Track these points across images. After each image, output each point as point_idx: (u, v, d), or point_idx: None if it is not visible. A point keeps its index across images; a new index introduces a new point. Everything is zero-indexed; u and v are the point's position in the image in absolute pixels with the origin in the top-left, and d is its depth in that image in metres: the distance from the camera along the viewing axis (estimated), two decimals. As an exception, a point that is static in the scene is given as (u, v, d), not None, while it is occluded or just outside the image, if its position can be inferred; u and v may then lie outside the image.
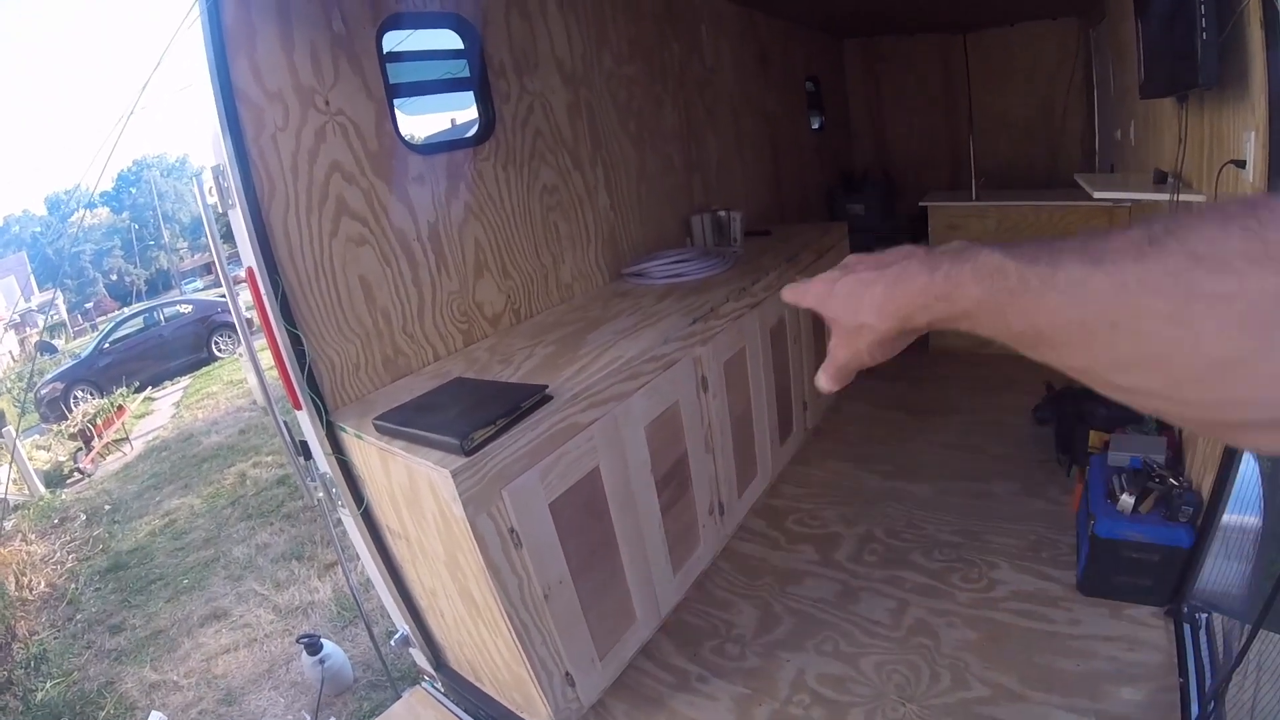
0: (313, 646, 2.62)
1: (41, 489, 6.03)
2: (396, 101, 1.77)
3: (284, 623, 3.25)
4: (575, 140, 2.26)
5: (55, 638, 3.69)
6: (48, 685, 3.28)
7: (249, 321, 1.75)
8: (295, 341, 1.60)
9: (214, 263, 1.73)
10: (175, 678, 3.07)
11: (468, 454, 1.26)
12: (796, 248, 2.53)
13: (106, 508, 5.41)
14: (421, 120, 1.96)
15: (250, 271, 1.56)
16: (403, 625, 1.90)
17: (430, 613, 1.82)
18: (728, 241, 2.61)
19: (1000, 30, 4.23)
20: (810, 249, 2.58)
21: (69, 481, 6.39)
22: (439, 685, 1.94)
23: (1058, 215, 3.08)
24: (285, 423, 1.71)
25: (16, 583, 4.27)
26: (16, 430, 5.97)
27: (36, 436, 7.77)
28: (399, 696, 2.02)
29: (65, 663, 3.44)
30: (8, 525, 5.26)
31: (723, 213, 2.62)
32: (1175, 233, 0.28)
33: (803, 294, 0.50)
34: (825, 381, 0.51)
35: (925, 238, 3.16)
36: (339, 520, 1.78)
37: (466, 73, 1.91)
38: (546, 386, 1.44)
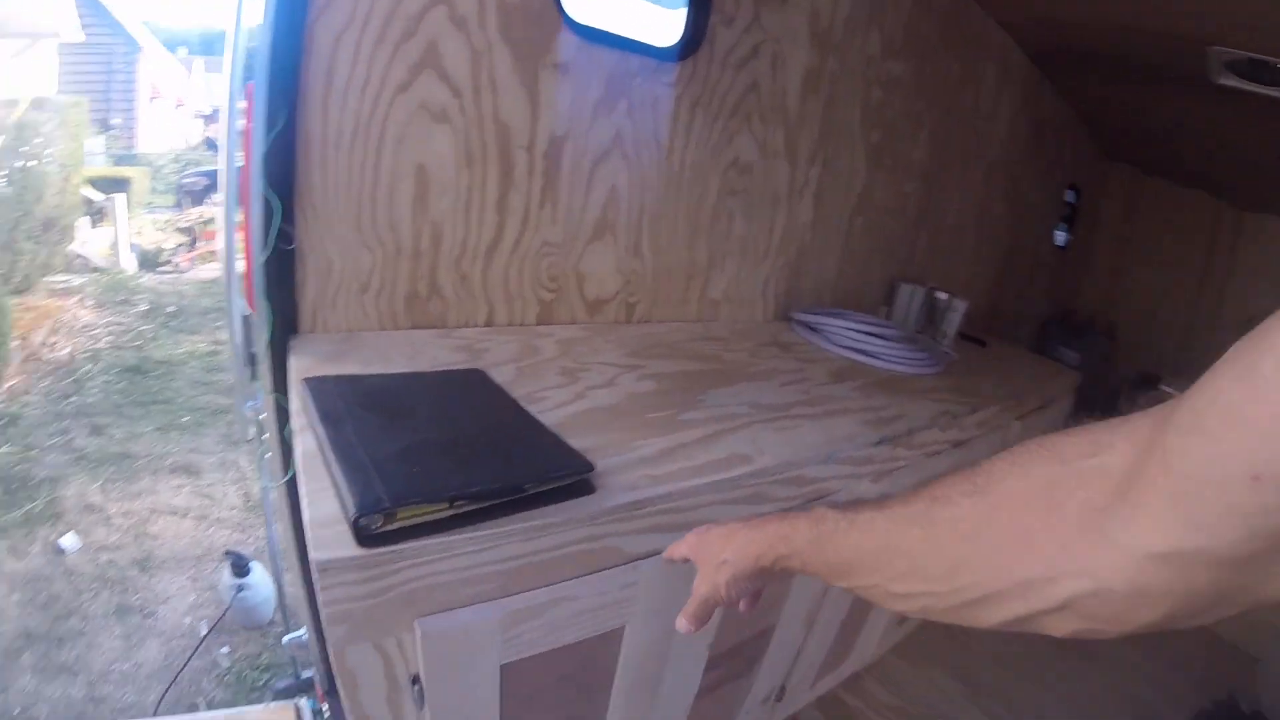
0: (239, 567, 2.09)
1: (126, 264, 5.65)
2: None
3: (246, 517, 2.71)
4: (800, 119, 1.49)
5: (38, 408, 3.30)
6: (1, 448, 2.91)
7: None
8: (286, 217, 0.97)
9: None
10: (112, 512, 2.62)
11: (361, 541, 0.55)
12: (1022, 385, 1.66)
13: (170, 309, 4.94)
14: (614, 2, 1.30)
15: (250, 91, 0.94)
16: (305, 630, 1.25)
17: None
18: (936, 334, 1.78)
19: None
20: (1035, 393, 1.70)
21: (160, 268, 5.89)
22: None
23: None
24: (246, 316, 1.09)
25: (44, 338, 3.94)
26: (140, 203, 5.87)
27: (157, 215, 7.25)
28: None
29: (30, 436, 3.04)
30: (78, 281, 4.99)
31: (942, 295, 1.80)
32: (928, 485, 0.44)
33: (678, 547, 0.64)
34: (684, 621, 0.60)
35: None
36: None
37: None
38: (594, 468, 0.70)
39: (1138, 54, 1.73)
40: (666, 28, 1.25)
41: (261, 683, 1.99)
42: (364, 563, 0.56)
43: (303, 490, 0.63)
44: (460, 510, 0.60)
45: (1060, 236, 3.45)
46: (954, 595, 0.40)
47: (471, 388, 0.86)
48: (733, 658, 1.06)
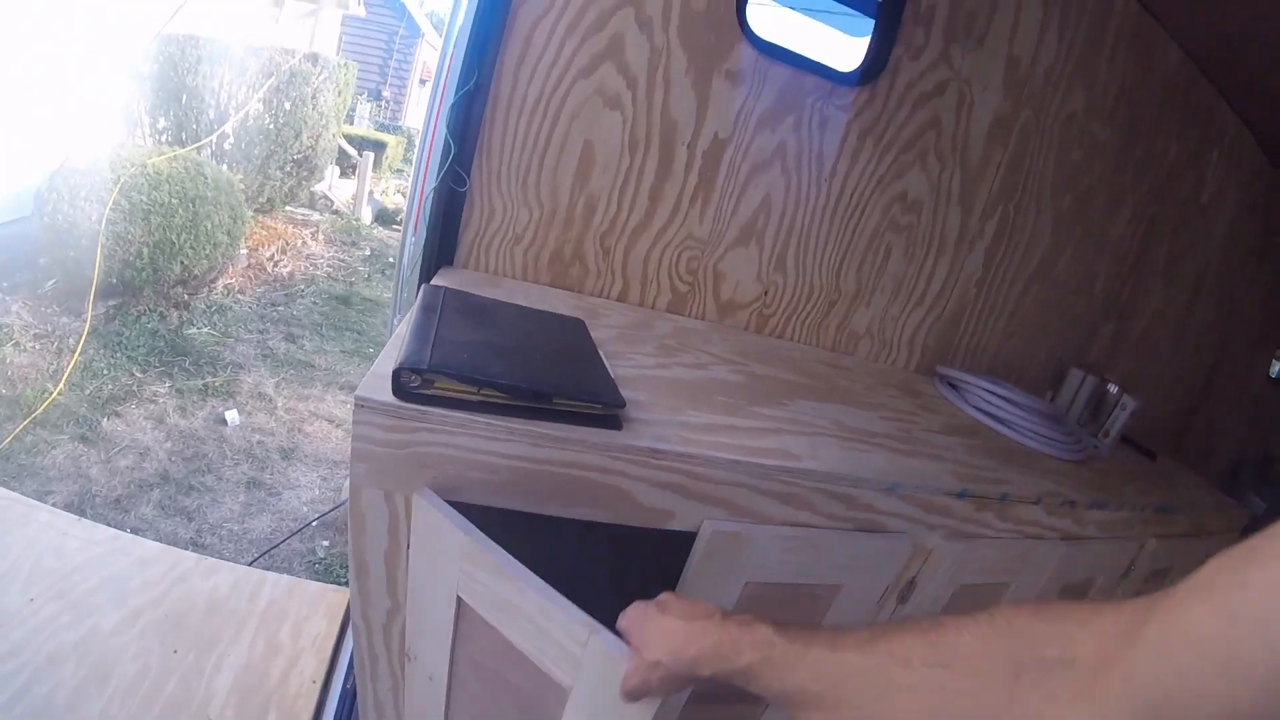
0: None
1: (364, 214, 6.12)
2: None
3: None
4: (980, 166, 1.39)
5: (248, 307, 3.78)
6: (202, 329, 3.34)
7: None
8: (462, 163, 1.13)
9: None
10: (278, 405, 3.00)
11: (396, 392, 0.63)
12: (1180, 506, 1.36)
13: (390, 259, 5.28)
14: (801, 23, 1.33)
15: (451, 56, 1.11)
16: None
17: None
18: (1097, 429, 1.54)
19: None
20: (1189, 518, 1.38)
21: (392, 225, 6.27)
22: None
23: None
24: (414, 240, 1.27)
25: (272, 254, 4.43)
26: (391, 167, 6.47)
27: (402, 181, 7.71)
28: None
29: (232, 327, 3.48)
30: (316, 217, 5.59)
31: (1113, 387, 1.55)
32: (887, 634, 0.42)
33: (622, 618, 0.56)
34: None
35: None
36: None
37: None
38: (624, 405, 0.72)
39: None
40: (849, 53, 1.26)
41: (344, 580, 2.14)
42: (393, 411, 0.63)
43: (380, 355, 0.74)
44: (488, 398, 0.66)
45: (1278, 368, 2.86)
46: None
47: (563, 327, 0.93)
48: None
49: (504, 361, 0.72)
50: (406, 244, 1.24)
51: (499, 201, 1.18)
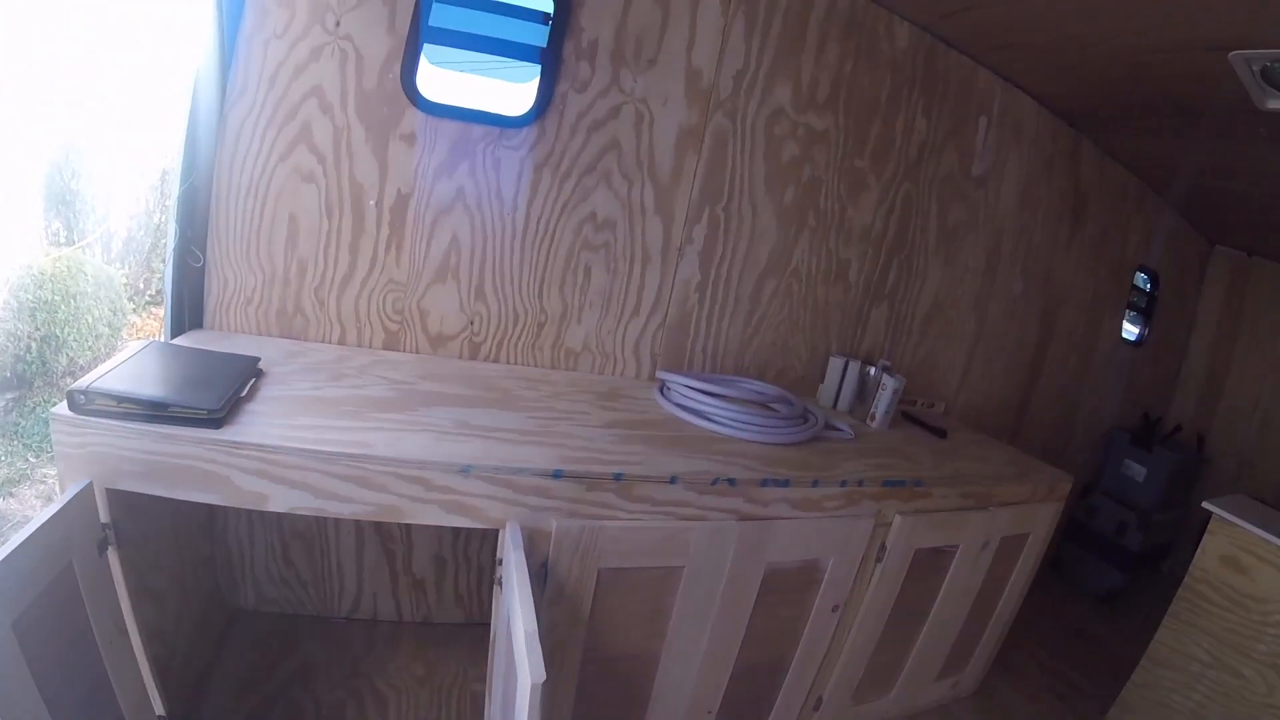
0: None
1: None
2: (431, 47, 1.85)
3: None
4: (674, 177, 1.99)
5: None
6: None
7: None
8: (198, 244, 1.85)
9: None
10: None
11: (71, 407, 1.26)
12: (938, 478, 1.89)
13: None
14: (470, 81, 1.98)
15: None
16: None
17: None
18: (866, 414, 2.08)
19: None
20: (959, 492, 1.90)
21: None
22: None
23: None
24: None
25: None
26: None
27: None
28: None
29: None
30: None
31: (872, 370, 2.08)
32: None
33: None
34: None
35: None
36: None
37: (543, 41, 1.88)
38: (219, 409, 1.33)
39: (1160, 85, 1.92)
40: (521, 99, 1.93)
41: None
42: (67, 420, 1.24)
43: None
44: (129, 410, 1.29)
45: (1133, 330, 3.41)
46: None
47: (230, 363, 1.53)
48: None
49: (151, 385, 1.38)
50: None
51: (230, 271, 1.86)
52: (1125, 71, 1.97)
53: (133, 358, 1.47)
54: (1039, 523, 2.11)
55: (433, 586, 2.18)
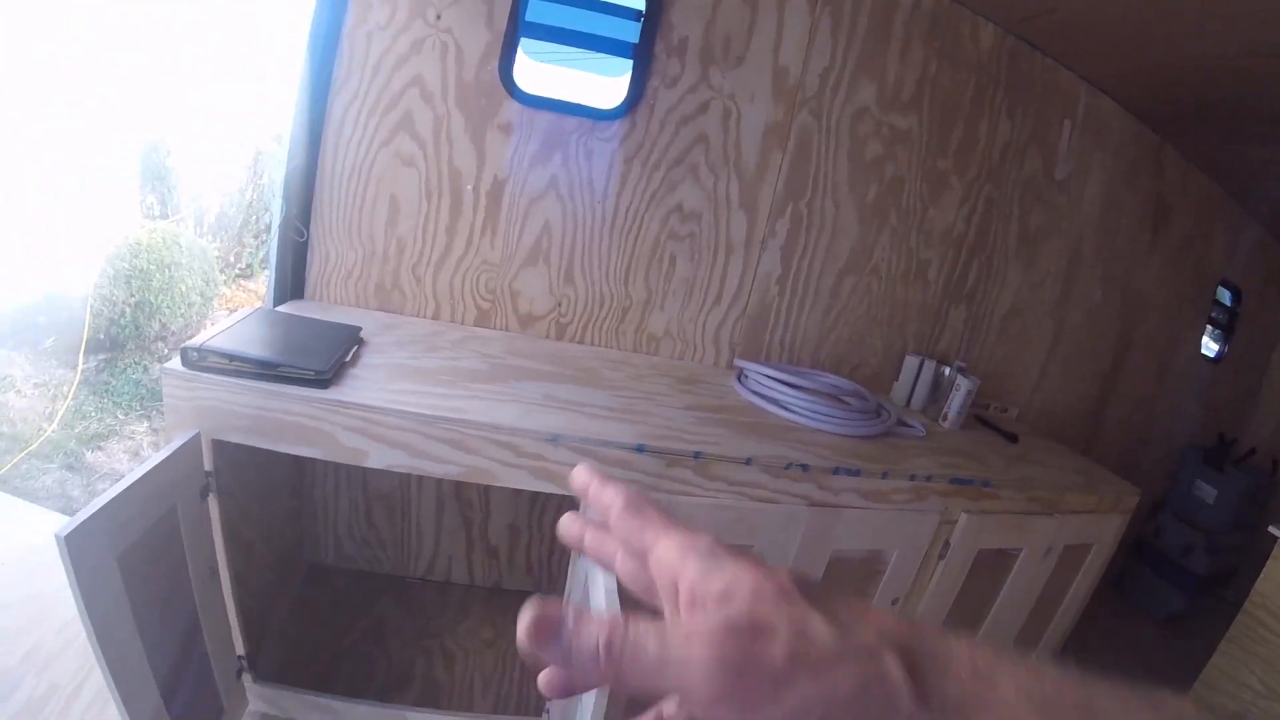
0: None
1: None
2: (527, 41, 1.95)
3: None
4: (759, 172, 2.06)
5: None
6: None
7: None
8: (302, 219, 1.99)
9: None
10: None
11: (185, 363, 1.38)
12: (1007, 481, 1.93)
13: None
14: (563, 74, 2.08)
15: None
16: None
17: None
18: (938, 412, 2.12)
19: None
20: (1026, 496, 1.92)
21: None
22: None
23: None
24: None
25: None
26: None
27: None
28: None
29: None
30: None
31: (947, 370, 2.12)
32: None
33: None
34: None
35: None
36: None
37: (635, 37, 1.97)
38: (326, 370, 1.43)
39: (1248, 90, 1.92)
40: (612, 93, 2.02)
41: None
42: (179, 375, 1.37)
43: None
44: (240, 368, 1.44)
45: (1213, 346, 3.33)
46: None
47: (332, 331, 1.65)
48: None
49: (260, 347, 1.50)
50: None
51: (332, 247, 2.00)
52: (1209, 76, 1.97)
53: (240, 322, 1.58)
54: (1103, 534, 2.12)
55: (505, 554, 2.28)
